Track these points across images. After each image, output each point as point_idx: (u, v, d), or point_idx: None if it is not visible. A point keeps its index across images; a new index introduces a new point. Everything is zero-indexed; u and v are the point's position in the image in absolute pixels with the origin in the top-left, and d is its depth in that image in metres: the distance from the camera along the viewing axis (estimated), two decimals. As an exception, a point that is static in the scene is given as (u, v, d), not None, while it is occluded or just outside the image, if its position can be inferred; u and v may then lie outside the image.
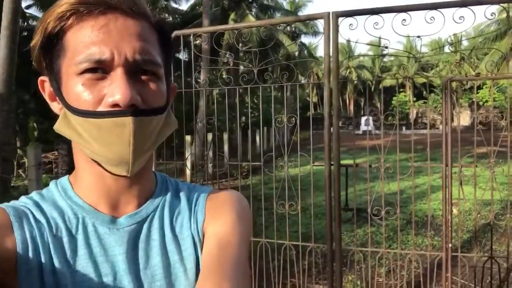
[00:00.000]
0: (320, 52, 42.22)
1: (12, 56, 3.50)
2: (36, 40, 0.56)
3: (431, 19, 3.03)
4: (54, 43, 0.55)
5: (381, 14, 3.01)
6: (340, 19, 3.01)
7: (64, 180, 0.65)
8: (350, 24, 3.02)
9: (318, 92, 46.32)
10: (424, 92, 39.99)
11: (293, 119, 3.09)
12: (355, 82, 47.59)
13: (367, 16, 3.05)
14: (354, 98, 52.31)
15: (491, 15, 2.99)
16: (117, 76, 0.53)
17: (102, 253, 0.59)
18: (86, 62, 0.53)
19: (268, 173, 3.31)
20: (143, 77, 0.56)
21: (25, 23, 15.37)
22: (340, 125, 2.98)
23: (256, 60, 3.20)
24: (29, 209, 0.59)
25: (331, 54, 3.04)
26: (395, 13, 2.99)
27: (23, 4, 15.25)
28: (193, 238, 0.65)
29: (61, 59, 0.56)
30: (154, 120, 0.56)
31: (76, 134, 0.56)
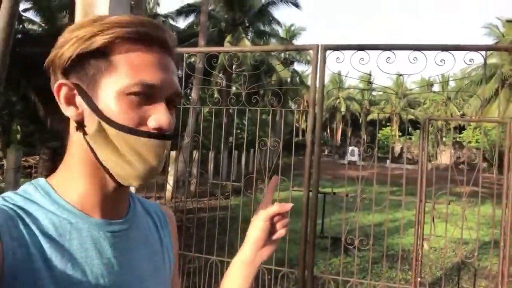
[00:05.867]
0: (312, 80, 42.73)
1: (3, 60, 3.51)
2: (75, 48, 0.58)
3: (414, 59, 3.17)
4: (97, 56, 0.59)
5: (367, 51, 3.15)
6: (328, 52, 3.13)
7: (42, 182, 0.64)
8: (337, 58, 3.15)
9: (307, 119, 46.72)
10: (410, 128, 40.82)
11: (276, 143, 3.16)
12: (344, 112, 48.33)
13: (354, 51, 3.19)
14: (342, 127, 53.02)
15: (470, 61, 3.15)
16: (162, 105, 0.61)
17: (98, 256, 0.61)
18: (139, 85, 0.59)
19: (248, 194, 3.34)
20: (171, 107, 0.64)
21: (21, 26, 15.34)
22: (326, 153, 3.06)
23: (245, 84, 3.30)
24: (15, 212, 0.57)
25: (317, 85, 3.15)
26: (380, 51, 3.12)
27: (21, 7, 15.29)
28: (167, 250, 0.78)
29: (105, 74, 0.59)
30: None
31: (111, 146, 0.60)
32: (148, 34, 0.60)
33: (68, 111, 0.62)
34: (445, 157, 31.60)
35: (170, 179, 7.62)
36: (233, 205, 6.23)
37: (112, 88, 0.59)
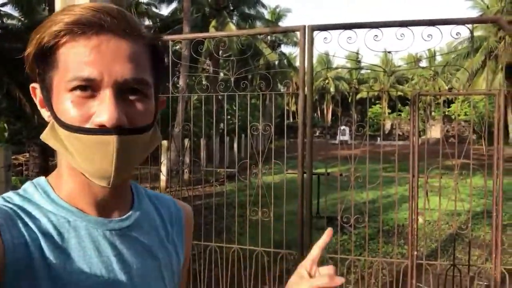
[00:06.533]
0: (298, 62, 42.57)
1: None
2: (30, 50, 0.58)
3: (401, 36, 3.16)
4: (47, 55, 0.57)
5: (354, 29, 3.13)
6: (315, 32, 3.11)
7: (42, 182, 0.64)
8: (325, 38, 3.13)
9: (296, 101, 46.68)
10: (399, 105, 41.04)
11: (268, 127, 3.15)
12: (333, 92, 48.36)
13: (341, 30, 3.17)
14: (332, 108, 53.15)
15: (457, 35, 3.16)
16: (106, 97, 0.55)
17: (97, 254, 0.61)
18: (75, 80, 0.55)
19: (243, 180, 3.35)
20: (132, 97, 0.58)
21: (0, 21, 14.93)
22: (317, 134, 3.07)
23: (233, 69, 3.27)
24: (15, 211, 0.58)
25: (306, 66, 3.13)
26: (367, 29, 3.11)
27: (-2, 2, 14.83)
28: (175, 247, 0.75)
29: (53, 73, 0.57)
30: (139, 139, 0.59)
31: (62, 146, 0.58)
32: (91, 22, 0.55)
33: (42, 113, 0.62)
34: (434, 132, 31.93)
35: (164, 169, 7.61)
36: (228, 190, 6.26)
37: (58, 86, 0.57)
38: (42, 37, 0.56)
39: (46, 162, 10.70)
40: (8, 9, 16.41)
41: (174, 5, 21.42)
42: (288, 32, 3.30)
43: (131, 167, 0.62)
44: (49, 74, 0.58)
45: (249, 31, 4.05)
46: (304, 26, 3.09)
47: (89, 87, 0.56)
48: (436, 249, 5.56)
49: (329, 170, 3.26)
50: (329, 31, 3.14)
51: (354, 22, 3.14)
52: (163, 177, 7.96)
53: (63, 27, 0.55)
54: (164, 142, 8.63)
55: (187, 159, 8.18)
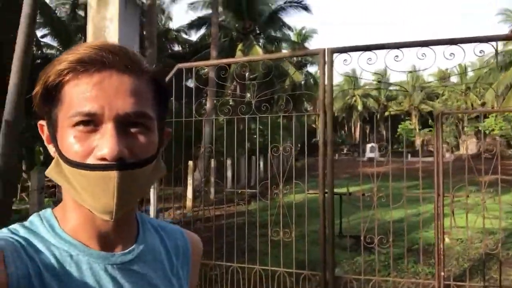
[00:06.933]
0: (326, 81, 42.41)
1: (21, 88, 3.68)
2: (38, 89, 0.60)
3: (422, 56, 3.14)
4: (53, 94, 0.59)
5: (374, 51, 3.15)
6: (335, 55, 3.16)
7: (48, 215, 0.65)
8: (345, 60, 3.16)
9: (324, 120, 46.38)
10: (430, 121, 40.03)
11: (289, 148, 3.20)
12: (360, 110, 47.84)
13: (361, 52, 3.19)
14: (360, 125, 52.50)
15: (480, 53, 3.09)
16: (107, 130, 0.56)
17: None
18: (78, 115, 0.57)
19: (264, 200, 3.39)
20: (133, 130, 0.59)
21: (40, 52, 15.92)
22: (345, 151, 3.08)
23: (254, 92, 3.36)
24: (20, 243, 0.59)
25: (326, 87, 3.18)
26: (387, 50, 3.11)
27: (39, 34, 15.87)
28: (180, 280, 0.74)
29: (58, 110, 0.60)
30: (140, 172, 0.59)
31: (66, 181, 0.60)
32: (93, 59, 0.57)
33: (49, 149, 0.65)
34: (469, 146, 30.80)
35: (190, 189, 7.76)
36: (253, 210, 6.30)
37: (62, 123, 0.59)
38: (48, 76, 0.59)
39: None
40: (48, 40, 17.52)
41: (202, 31, 22.09)
42: (308, 55, 3.39)
43: (134, 200, 0.63)
44: (55, 111, 0.60)
45: (271, 55, 4.16)
46: (324, 49, 3.16)
47: (91, 122, 0.57)
48: (468, 269, 5.33)
49: (351, 190, 3.25)
50: (348, 53, 3.18)
51: (374, 43, 3.17)
52: (189, 197, 8.09)
53: (67, 66, 0.58)
54: (190, 163, 8.82)
55: (213, 179, 8.30)
